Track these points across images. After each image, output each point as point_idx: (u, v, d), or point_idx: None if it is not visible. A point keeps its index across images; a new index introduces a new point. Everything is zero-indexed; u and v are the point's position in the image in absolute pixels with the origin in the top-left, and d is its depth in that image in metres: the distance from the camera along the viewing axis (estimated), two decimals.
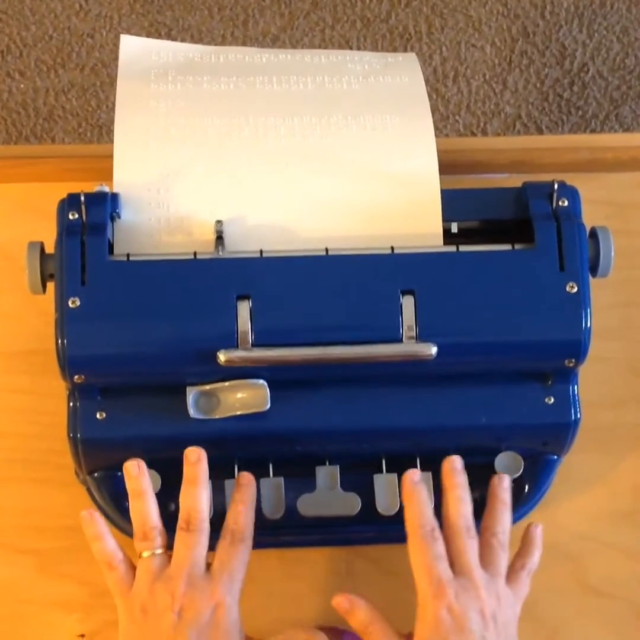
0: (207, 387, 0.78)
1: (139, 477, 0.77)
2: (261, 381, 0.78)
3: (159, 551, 0.75)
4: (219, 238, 0.80)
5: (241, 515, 0.76)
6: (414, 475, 0.77)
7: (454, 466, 0.77)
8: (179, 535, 0.75)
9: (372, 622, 0.75)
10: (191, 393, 0.79)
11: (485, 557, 0.76)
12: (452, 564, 0.75)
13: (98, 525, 0.77)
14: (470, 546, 0.75)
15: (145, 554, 0.76)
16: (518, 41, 1.68)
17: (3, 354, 0.89)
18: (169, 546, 0.76)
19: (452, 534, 0.76)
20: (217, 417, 0.78)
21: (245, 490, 0.78)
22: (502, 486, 0.79)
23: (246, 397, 0.78)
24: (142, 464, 0.77)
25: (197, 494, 0.76)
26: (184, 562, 0.74)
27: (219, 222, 0.80)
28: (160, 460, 0.79)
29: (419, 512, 0.76)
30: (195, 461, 0.76)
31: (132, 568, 0.76)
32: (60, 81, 1.64)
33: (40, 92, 1.63)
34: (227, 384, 0.78)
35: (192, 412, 0.78)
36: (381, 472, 0.82)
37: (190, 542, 0.75)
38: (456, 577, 0.74)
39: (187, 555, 0.75)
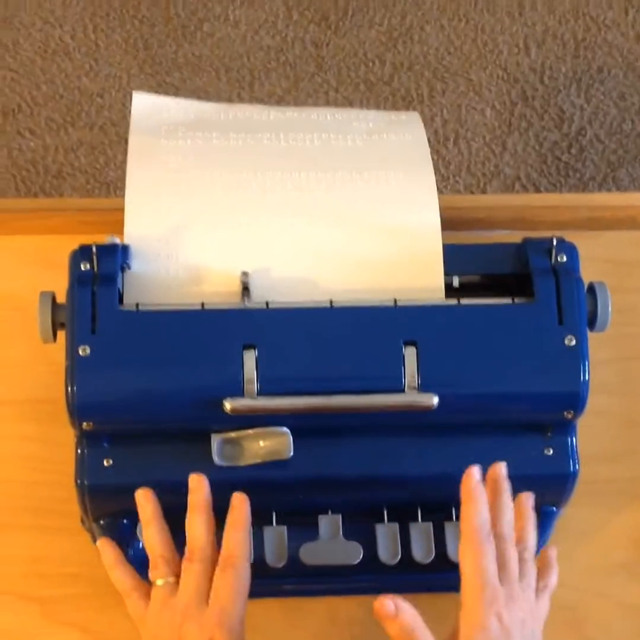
0: (232, 434, 0.79)
1: (145, 506, 0.77)
2: (284, 429, 0.79)
3: (171, 579, 0.76)
4: (245, 289, 0.81)
5: (231, 539, 0.75)
6: (476, 474, 0.75)
7: (500, 473, 0.77)
8: (184, 565, 0.75)
9: (415, 629, 0.72)
10: (216, 440, 0.79)
11: (520, 570, 0.76)
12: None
13: (111, 553, 0.78)
14: (514, 555, 0.75)
15: (159, 582, 0.76)
16: (517, 105, 1.72)
17: (12, 402, 0.90)
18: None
19: (499, 541, 0.75)
20: (241, 464, 0.79)
21: (236, 512, 0.76)
22: (529, 504, 0.79)
23: (269, 445, 0.79)
24: (148, 492, 0.77)
25: (197, 522, 0.75)
26: (185, 592, 0.74)
27: (245, 273, 0.82)
28: (166, 507, 0.80)
29: (478, 512, 0.74)
30: (194, 488, 0.76)
31: (147, 594, 0.77)
32: (69, 139, 1.67)
33: (50, 149, 1.66)
34: (251, 431, 0.79)
35: (217, 459, 0.79)
36: (383, 521, 0.83)
37: (192, 572, 0.75)
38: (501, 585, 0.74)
39: (188, 585, 0.75)
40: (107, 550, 0.79)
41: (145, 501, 0.77)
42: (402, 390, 0.78)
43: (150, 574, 0.77)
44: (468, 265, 0.85)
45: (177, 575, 0.76)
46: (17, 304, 0.92)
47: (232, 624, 0.73)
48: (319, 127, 0.92)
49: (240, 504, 0.76)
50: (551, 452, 0.82)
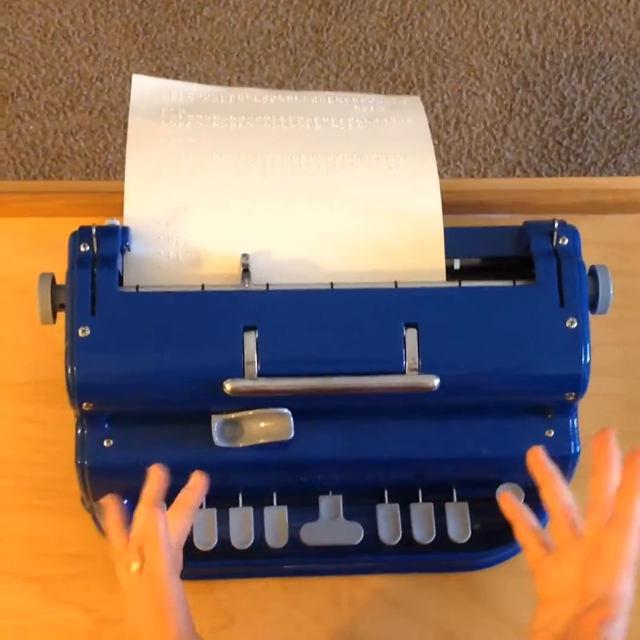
0: (232, 415, 0.79)
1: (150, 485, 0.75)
2: (285, 410, 0.79)
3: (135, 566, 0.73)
4: (246, 271, 0.81)
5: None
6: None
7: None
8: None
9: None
10: (216, 421, 0.79)
11: None
12: None
13: (114, 515, 0.76)
14: None
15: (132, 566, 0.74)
16: (518, 90, 1.71)
17: (12, 384, 0.90)
18: None
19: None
20: (241, 445, 0.79)
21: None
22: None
23: (270, 426, 0.79)
24: (160, 472, 0.75)
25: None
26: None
27: (245, 255, 0.82)
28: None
29: (561, 483, 0.75)
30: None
31: None
32: (69, 123, 1.66)
33: (49, 133, 1.66)
34: (251, 412, 0.79)
35: (217, 440, 0.79)
36: (384, 502, 0.83)
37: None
38: None
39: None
40: (111, 510, 0.76)
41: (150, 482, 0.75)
42: (403, 372, 0.78)
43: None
44: (469, 248, 0.85)
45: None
46: (16, 286, 0.92)
47: (162, 605, 0.72)
48: (320, 110, 0.91)
49: (193, 485, 0.75)
50: (552, 433, 0.82)
